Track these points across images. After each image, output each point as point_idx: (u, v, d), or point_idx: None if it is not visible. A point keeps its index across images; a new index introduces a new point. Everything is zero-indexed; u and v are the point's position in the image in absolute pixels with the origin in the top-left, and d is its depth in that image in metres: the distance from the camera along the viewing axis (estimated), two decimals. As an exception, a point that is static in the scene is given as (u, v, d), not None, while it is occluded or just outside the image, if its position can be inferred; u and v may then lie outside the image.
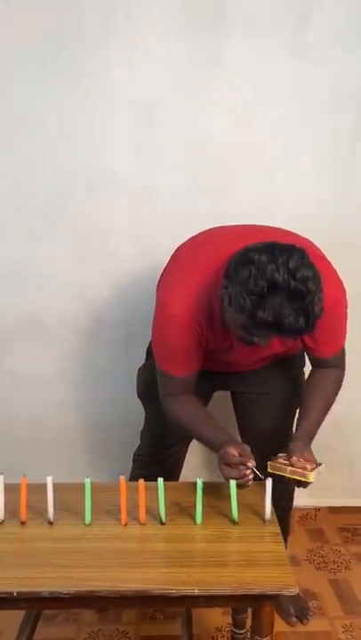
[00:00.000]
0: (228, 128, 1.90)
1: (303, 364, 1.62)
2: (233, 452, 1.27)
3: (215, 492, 1.35)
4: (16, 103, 1.87)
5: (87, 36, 1.82)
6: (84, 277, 2.00)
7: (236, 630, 1.50)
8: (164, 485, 1.26)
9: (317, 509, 2.22)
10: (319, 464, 1.31)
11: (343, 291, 1.39)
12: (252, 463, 1.25)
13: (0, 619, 1.48)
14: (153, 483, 1.26)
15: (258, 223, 1.48)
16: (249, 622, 1.49)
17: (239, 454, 1.27)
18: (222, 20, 1.82)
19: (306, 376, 1.62)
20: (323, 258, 1.38)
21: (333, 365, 1.47)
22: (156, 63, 1.85)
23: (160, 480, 1.26)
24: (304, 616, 1.74)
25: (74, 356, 2.08)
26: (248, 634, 1.53)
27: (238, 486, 1.25)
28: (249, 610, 1.48)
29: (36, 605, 1.13)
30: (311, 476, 1.27)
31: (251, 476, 1.26)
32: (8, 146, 1.90)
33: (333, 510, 2.22)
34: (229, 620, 1.72)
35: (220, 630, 1.71)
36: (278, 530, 1.24)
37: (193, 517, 1.27)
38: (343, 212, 1.96)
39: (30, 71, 1.85)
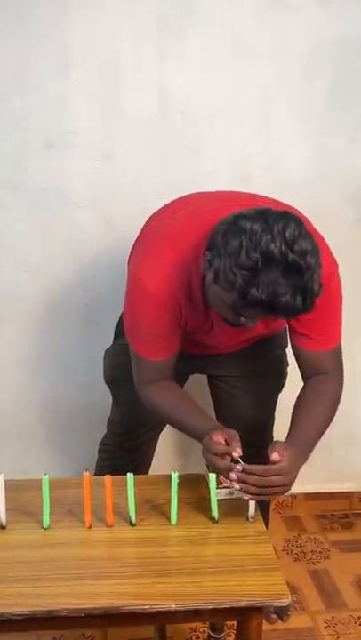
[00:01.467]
0: (198, 87, 1.73)
1: (286, 344, 1.46)
2: (219, 439, 1.11)
3: (191, 485, 1.20)
4: None
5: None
6: (42, 249, 1.81)
7: (213, 635, 1.36)
8: (135, 480, 1.10)
9: (294, 496, 2.11)
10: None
11: (336, 265, 1.22)
12: (237, 453, 1.09)
13: None
14: (121, 477, 1.10)
15: (233, 190, 1.32)
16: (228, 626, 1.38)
17: (225, 442, 1.12)
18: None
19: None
20: (314, 230, 1.20)
21: (328, 369, 1.26)
22: (121, 15, 1.66)
23: (130, 475, 1.10)
24: (284, 612, 1.62)
25: (29, 336, 1.89)
26: (226, 637, 1.40)
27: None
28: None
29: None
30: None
31: (239, 466, 1.09)
32: None
33: (310, 497, 2.10)
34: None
35: (195, 631, 1.58)
36: (264, 528, 1.10)
37: (167, 516, 1.12)
38: (321, 176, 1.81)
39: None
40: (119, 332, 1.48)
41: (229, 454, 1.09)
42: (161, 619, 0.95)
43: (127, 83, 1.72)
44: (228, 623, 1.38)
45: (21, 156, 1.74)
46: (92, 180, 1.76)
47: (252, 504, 1.12)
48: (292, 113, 1.77)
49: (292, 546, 1.93)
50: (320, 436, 1.23)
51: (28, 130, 1.73)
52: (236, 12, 1.69)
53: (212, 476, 1.13)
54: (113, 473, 1.13)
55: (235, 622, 1.17)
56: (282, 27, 1.70)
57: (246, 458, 1.32)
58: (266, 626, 1.56)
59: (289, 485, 1.09)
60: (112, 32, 1.68)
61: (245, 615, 0.95)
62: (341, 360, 1.29)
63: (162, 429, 1.61)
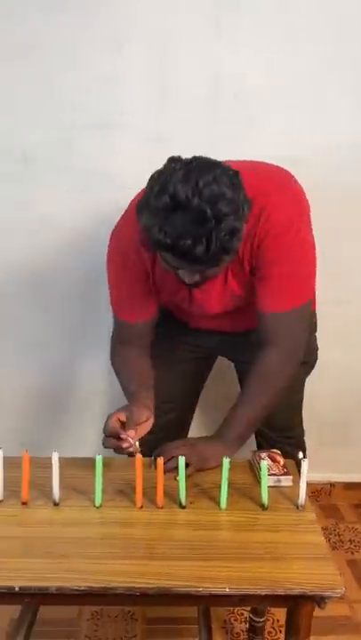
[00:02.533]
0: (251, 67, 1.70)
1: (313, 329, 1.46)
2: (114, 418, 1.15)
3: (238, 471, 1.20)
4: (16, 31, 1.65)
5: None
6: (88, 230, 1.81)
7: (254, 618, 1.37)
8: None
9: (332, 485, 2.10)
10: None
11: (297, 224, 1.16)
12: (126, 435, 1.11)
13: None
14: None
15: (281, 169, 1.29)
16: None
17: (121, 421, 1.14)
18: None
19: (318, 342, 1.52)
20: (284, 181, 1.22)
21: (271, 335, 1.22)
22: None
23: (182, 458, 1.11)
24: (322, 600, 1.62)
25: (75, 313, 1.91)
26: (266, 623, 1.42)
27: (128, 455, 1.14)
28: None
29: (40, 601, 0.99)
30: None
31: (130, 449, 1.13)
32: (4, 79, 1.68)
33: (349, 486, 2.10)
34: (242, 602, 1.61)
35: (233, 613, 1.60)
36: (314, 517, 1.10)
37: (216, 501, 1.12)
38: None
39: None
40: None
41: (116, 435, 1.13)
42: (212, 602, 0.96)
43: (181, 63, 1.70)
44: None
45: (71, 136, 1.74)
46: (143, 161, 1.72)
47: (302, 492, 1.12)
48: (346, 95, 1.72)
49: (330, 534, 1.93)
50: (250, 410, 1.26)
51: (78, 110, 1.73)
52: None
53: (264, 464, 1.13)
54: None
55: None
56: (338, 7, 1.65)
57: (272, 441, 1.32)
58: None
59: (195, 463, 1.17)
60: (166, 10, 1.66)
61: (297, 603, 0.95)
62: (296, 327, 1.25)
63: (192, 408, 1.64)
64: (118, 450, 1.14)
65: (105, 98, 1.72)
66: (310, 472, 1.14)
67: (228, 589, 0.91)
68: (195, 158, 1.04)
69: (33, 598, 0.97)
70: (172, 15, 1.66)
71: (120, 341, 1.35)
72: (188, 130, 1.72)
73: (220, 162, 1.05)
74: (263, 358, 1.25)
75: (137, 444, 1.14)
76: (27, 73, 1.68)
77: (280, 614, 1.33)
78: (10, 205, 1.78)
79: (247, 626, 1.49)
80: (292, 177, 1.24)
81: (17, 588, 0.91)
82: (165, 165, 1.04)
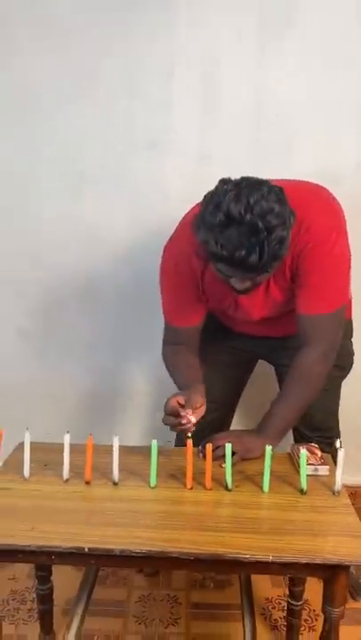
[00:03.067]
0: (293, 89, 1.83)
1: (347, 336, 1.58)
2: (174, 400, 1.26)
3: (280, 462, 1.32)
4: (77, 59, 1.83)
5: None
6: (138, 243, 1.96)
7: (292, 602, 1.47)
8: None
9: (367, 487, 2.17)
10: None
11: (333, 236, 1.29)
12: (185, 413, 1.23)
13: (57, 577, 1.49)
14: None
15: (318, 181, 1.41)
16: (306, 594, 1.48)
17: (179, 404, 1.26)
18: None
19: (353, 347, 1.62)
20: (323, 198, 1.33)
21: (308, 335, 1.33)
22: (223, 21, 1.79)
23: (228, 445, 1.23)
24: (357, 592, 1.71)
25: (123, 319, 2.06)
26: (302, 612, 1.51)
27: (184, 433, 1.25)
28: (306, 582, 1.47)
29: (104, 563, 1.12)
30: None
31: (188, 426, 1.23)
32: (64, 102, 1.86)
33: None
34: (279, 591, 1.71)
35: (270, 601, 1.69)
36: (349, 501, 1.20)
37: (259, 486, 1.23)
38: None
39: (93, 27, 1.80)
40: None
41: (176, 414, 1.24)
42: (257, 568, 1.06)
43: (226, 87, 1.84)
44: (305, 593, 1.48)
45: (125, 155, 1.90)
46: (191, 178, 1.89)
47: (338, 480, 1.23)
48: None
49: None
50: (288, 406, 1.37)
51: (132, 131, 1.89)
52: (332, 19, 1.77)
53: (303, 451, 1.23)
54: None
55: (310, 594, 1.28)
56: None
57: (309, 440, 1.42)
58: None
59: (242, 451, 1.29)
60: (212, 39, 1.81)
61: (334, 572, 1.05)
62: (330, 330, 1.35)
63: (233, 408, 1.76)
64: (175, 428, 1.26)
65: (156, 120, 1.88)
66: (347, 475, 1.24)
67: (271, 557, 1.02)
68: (243, 179, 1.17)
69: (98, 560, 1.09)
70: (218, 43, 1.81)
71: (171, 343, 1.48)
72: (233, 149, 1.87)
73: (266, 180, 1.18)
74: (300, 358, 1.37)
75: (193, 420, 1.24)
76: (85, 99, 1.86)
77: (316, 602, 1.41)
78: (68, 219, 1.95)
79: (284, 614, 1.59)
80: (331, 194, 1.36)
81: (86, 549, 1.04)
82: (217, 186, 1.17)
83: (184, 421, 1.24)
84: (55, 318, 2.07)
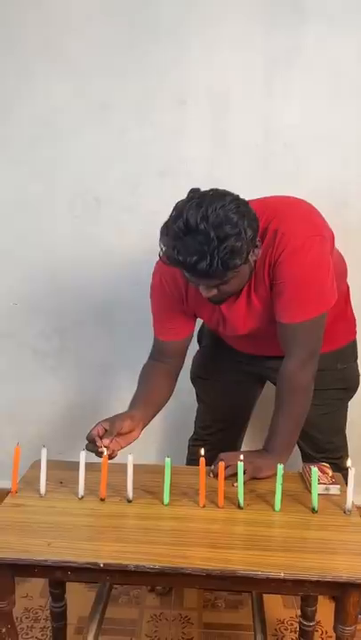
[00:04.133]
0: (299, 120, 1.90)
1: (350, 359, 1.61)
2: (99, 426, 1.32)
3: (291, 480, 1.33)
4: (92, 91, 1.91)
5: (163, 26, 1.84)
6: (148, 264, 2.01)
7: (305, 622, 1.47)
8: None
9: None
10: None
11: (307, 244, 1.29)
12: (101, 443, 1.28)
13: (70, 596, 1.51)
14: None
15: (325, 206, 1.43)
16: (318, 615, 1.48)
17: (105, 429, 1.31)
18: (301, 11, 1.81)
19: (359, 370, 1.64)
20: (301, 209, 1.37)
21: (289, 342, 1.35)
22: (232, 55, 1.86)
23: (240, 463, 1.25)
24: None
25: (135, 341, 2.09)
26: (316, 627, 1.51)
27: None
28: (317, 602, 1.47)
29: (118, 579, 1.13)
30: None
31: (105, 453, 1.28)
32: (80, 131, 1.95)
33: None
34: (291, 613, 1.71)
35: (283, 623, 1.69)
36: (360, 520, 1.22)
37: (271, 504, 1.25)
38: None
39: (108, 62, 1.88)
40: (200, 336, 1.72)
41: (93, 441, 1.30)
42: (269, 586, 1.08)
43: (235, 117, 1.92)
44: (317, 615, 1.49)
45: (138, 182, 1.97)
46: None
47: (349, 499, 1.24)
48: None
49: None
50: (286, 419, 1.39)
51: (144, 159, 1.96)
52: (336, 54, 1.84)
53: (315, 471, 1.25)
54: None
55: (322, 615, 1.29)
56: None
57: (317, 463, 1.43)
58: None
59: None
60: (223, 71, 1.89)
61: (345, 590, 1.06)
62: (309, 338, 1.35)
63: (243, 426, 1.78)
64: (96, 454, 1.31)
65: (168, 148, 1.95)
66: (358, 495, 1.24)
67: (283, 574, 1.04)
68: (212, 189, 1.24)
69: (113, 575, 1.11)
70: (228, 75, 1.89)
71: (152, 357, 1.53)
72: (242, 176, 1.92)
73: (232, 193, 1.23)
74: (282, 368, 1.39)
75: (106, 452, 1.29)
76: (101, 128, 1.94)
77: (328, 624, 1.41)
78: (84, 241, 2.02)
79: (296, 635, 1.59)
80: (312, 207, 1.39)
81: (101, 564, 1.06)
82: (187, 195, 1.24)
83: (100, 450, 1.29)
84: (71, 338, 2.12)
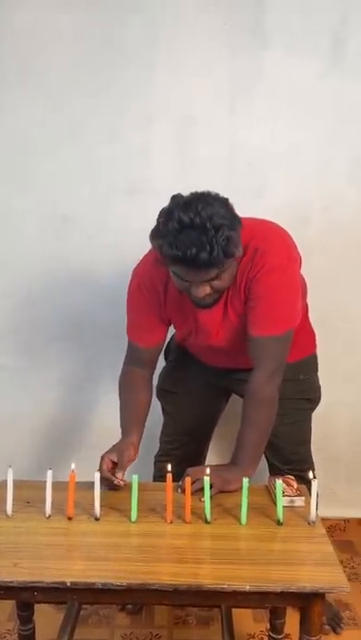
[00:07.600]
0: (263, 139, 1.95)
1: (311, 371, 1.67)
2: (107, 461, 1.38)
3: (256, 494, 1.35)
4: (63, 111, 1.93)
5: (131, 48, 1.88)
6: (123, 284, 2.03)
7: (273, 635, 1.48)
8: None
9: (346, 520, 2.21)
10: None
11: (283, 264, 1.39)
12: (118, 480, 1.35)
13: (38, 619, 1.49)
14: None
15: (288, 223, 1.49)
16: (287, 628, 1.50)
17: (113, 463, 1.37)
18: (262, 35, 1.88)
19: (320, 382, 1.69)
20: (278, 232, 1.44)
21: (258, 354, 1.41)
22: (197, 76, 1.91)
23: (206, 478, 1.27)
24: (338, 625, 1.72)
25: (105, 357, 2.10)
26: (285, 639, 1.52)
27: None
28: (286, 615, 1.49)
29: (86, 598, 1.13)
30: None
31: (120, 485, 1.35)
32: (53, 153, 1.96)
33: (363, 522, 2.20)
34: (261, 627, 1.72)
35: (253, 637, 1.70)
36: (324, 531, 1.24)
37: (237, 518, 1.27)
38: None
39: (78, 83, 1.91)
40: (167, 352, 1.73)
41: (109, 479, 1.35)
42: (236, 600, 1.09)
43: (201, 137, 1.96)
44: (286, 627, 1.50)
45: (106, 199, 1.99)
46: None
47: (312, 510, 1.27)
48: (346, 161, 1.97)
49: (346, 567, 2.01)
50: (253, 432, 1.42)
51: (112, 177, 1.98)
52: (298, 75, 1.91)
53: (279, 484, 1.28)
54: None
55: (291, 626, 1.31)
56: (339, 87, 1.91)
57: (284, 474, 1.46)
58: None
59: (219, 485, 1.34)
60: (188, 92, 1.93)
61: (309, 601, 1.08)
62: (278, 351, 1.41)
63: (208, 439, 1.80)
64: (111, 487, 1.37)
65: (136, 166, 1.97)
66: (325, 508, 1.26)
67: (248, 587, 1.05)
68: (192, 193, 1.30)
69: (80, 595, 1.11)
70: (194, 95, 1.93)
71: (128, 363, 1.56)
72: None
73: (213, 193, 1.30)
74: (250, 381, 1.43)
75: (122, 483, 1.36)
76: (70, 146, 1.95)
77: (297, 636, 1.42)
78: (52, 259, 2.02)
79: (267, 649, 1.60)
80: (286, 233, 1.46)
81: (68, 583, 1.06)
82: (170, 201, 1.30)
83: (116, 482, 1.35)
84: (41, 356, 2.11)
